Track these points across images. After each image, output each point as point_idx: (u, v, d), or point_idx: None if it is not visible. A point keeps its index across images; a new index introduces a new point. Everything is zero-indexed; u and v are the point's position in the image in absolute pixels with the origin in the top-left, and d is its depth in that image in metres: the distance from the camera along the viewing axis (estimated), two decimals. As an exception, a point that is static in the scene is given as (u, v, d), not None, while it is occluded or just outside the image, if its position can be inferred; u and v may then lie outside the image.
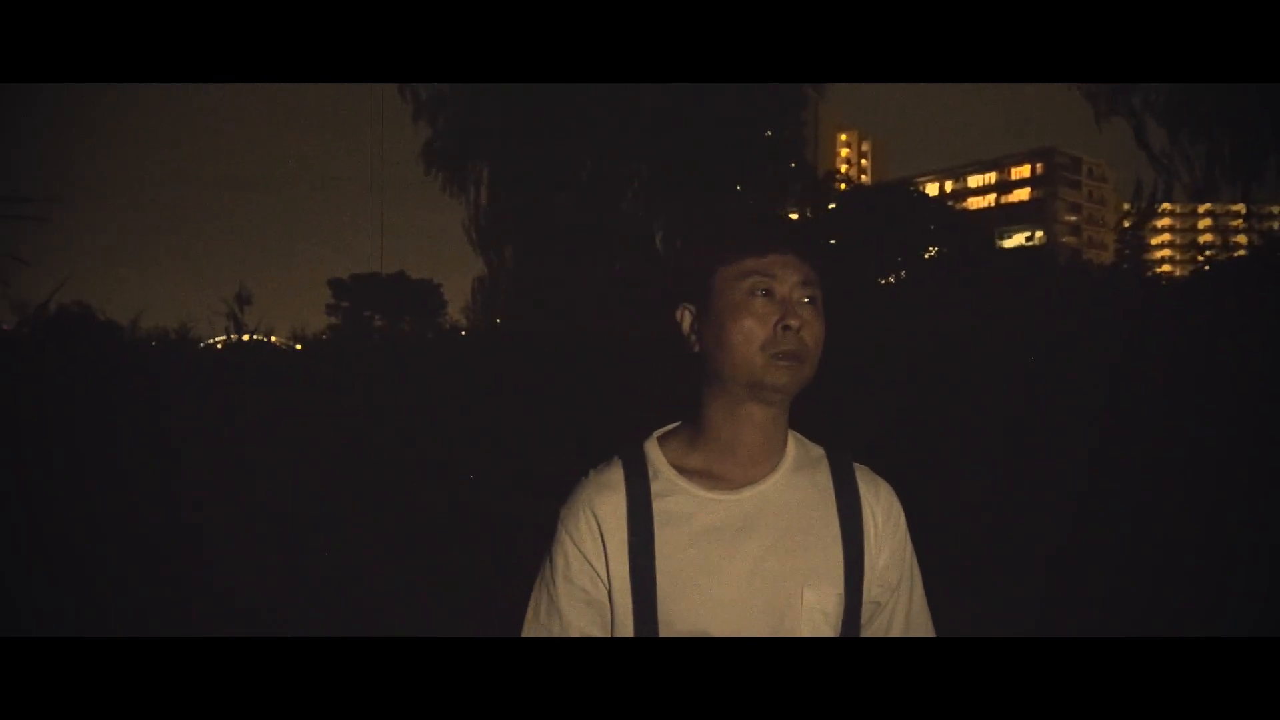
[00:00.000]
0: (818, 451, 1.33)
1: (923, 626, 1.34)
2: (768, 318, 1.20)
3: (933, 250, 23.32)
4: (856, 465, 1.33)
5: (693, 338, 1.27)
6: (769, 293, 1.21)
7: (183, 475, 5.94)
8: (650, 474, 1.26)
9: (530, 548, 1.36)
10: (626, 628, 1.22)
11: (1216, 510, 4.76)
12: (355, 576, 4.80)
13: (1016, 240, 75.19)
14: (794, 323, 1.20)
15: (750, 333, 1.20)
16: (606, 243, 15.74)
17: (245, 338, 9.73)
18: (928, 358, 6.71)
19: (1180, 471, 5.08)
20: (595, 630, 1.26)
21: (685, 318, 1.28)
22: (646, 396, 1.34)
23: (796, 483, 1.27)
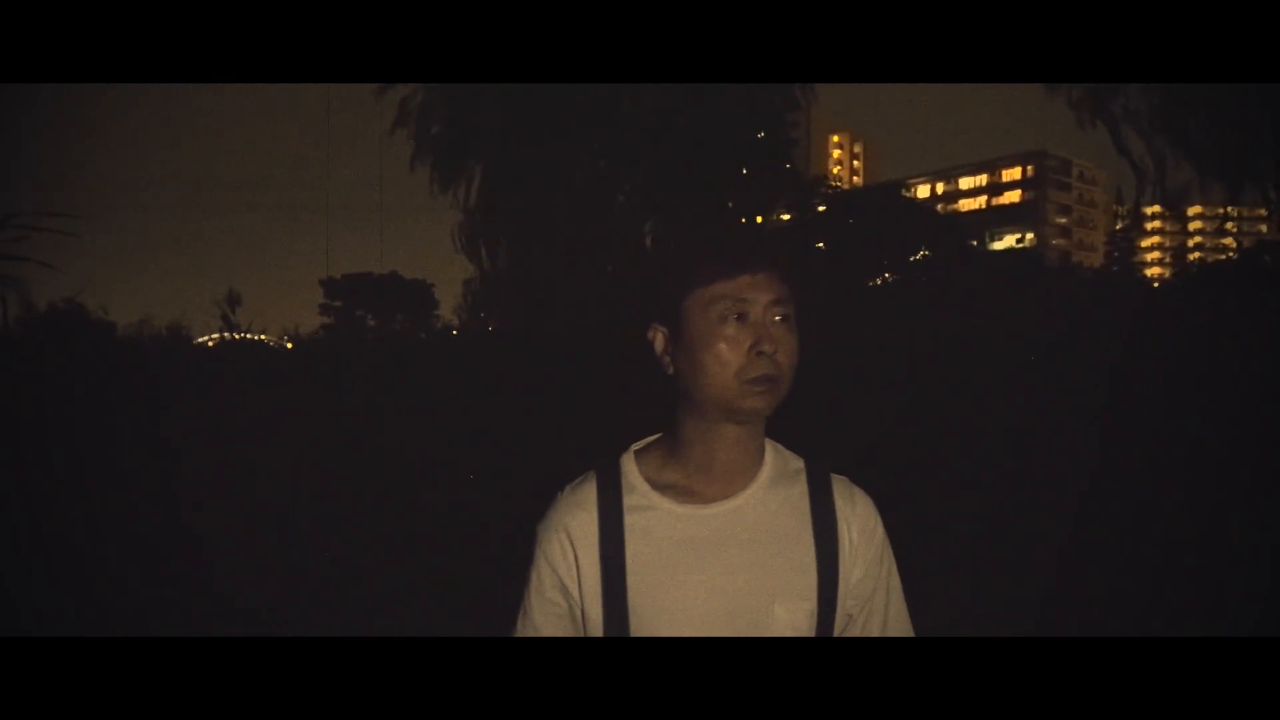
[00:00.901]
0: (797, 464, 1.31)
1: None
2: (741, 343, 1.18)
3: (924, 252, 23.37)
4: (834, 477, 1.31)
5: (666, 359, 1.25)
6: (742, 316, 1.19)
7: (182, 475, 5.94)
8: (624, 488, 1.26)
9: (529, 548, 1.36)
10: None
11: (1216, 510, 4.76)
12: (354, 576, 4.80)
13: (1007, 242, 75.29)
14: (768, 348, 1.18)
15: (724, 359, 1.18)
16: (599, 245, 15.70)
17: (245, 337, 9.74)
18: (925, 359, 6.72)
19: (1179, 471, 5.09)
20: None
21: (658, 339, 1.26)
22: (645, 396, 1.34)
23: (771, 497, 1.26)
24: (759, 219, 18.22)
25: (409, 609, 4.29)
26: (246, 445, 6.77)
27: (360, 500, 6.35)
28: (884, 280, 20.01)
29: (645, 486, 1.26)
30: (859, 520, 1.28)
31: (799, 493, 1.27)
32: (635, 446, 1.32)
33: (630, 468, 1.28)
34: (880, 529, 1.30)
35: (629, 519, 1.23)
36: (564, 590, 1.25)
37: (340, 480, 6.72)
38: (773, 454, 1.30)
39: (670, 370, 1.25)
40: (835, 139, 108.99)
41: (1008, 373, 6.48)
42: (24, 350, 6.89)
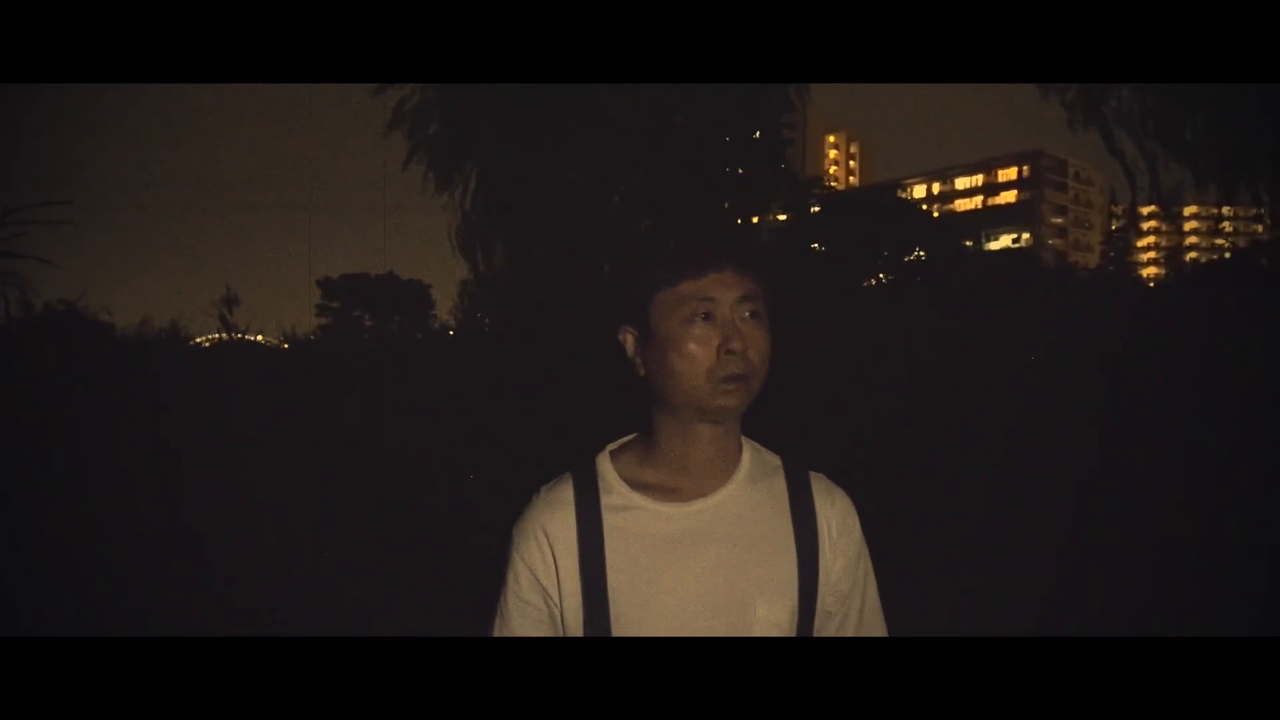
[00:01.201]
0: (774, 461, 1.32)
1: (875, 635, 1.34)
2: (710, 342, 1.18)
3: (920, 253, 23.40)
4: (813, 474, 1.32)
5: (637, 360, 1.25)
6: (709, 316, 1.19)
7: (182, 475, 5.93)
8: (602, 488, 1.26)
9: (505, 551, 1.36)
10: None
11: (1216, 510, 4.76)
12: (354, 576, 4.80)
13: (1003, 242, 75.41)
14: (737, 346, 1.18)
15: (693, 359, 1.18)
16: (596, 244, 15.69)
17: (243, 337, 9.74)
18: (922, 359, 6.73)
19: (1179, 471, 5.09)
20: None
21: (628, 341, 1.26)
22: (632, 394, 1.34)
23: (750, 494, 1.26)
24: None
25: (409, 609, 4.29)
26: (245, 445, 6.77)
27: (360, 500, 6.34)
28: (880, 280, 20.03)
29: (623, 486, 1.25)
30: (838, 516, 1.29)
31: (778, 490, 1.28)
32: (610, 446, 1.32)
33: (607, 467, 1.28)
34: (858, 525, 1.31)
35: (608, 519, 1.23)
36: (543, 592, 1.24)
37: (340, 480, 6.71)
38: (750, 451, 1.30)
39: (642, 372, 1.25)
40: (831, 139, 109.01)
41: (1005, 373, 6.48)
42: (24, 350, 6.89)
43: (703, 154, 16.68)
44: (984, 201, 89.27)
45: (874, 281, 19.13)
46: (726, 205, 18.04)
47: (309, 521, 5.76)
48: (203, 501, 5.66)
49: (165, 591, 4.35)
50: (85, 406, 6.26)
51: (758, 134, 18.84)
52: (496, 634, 1.28)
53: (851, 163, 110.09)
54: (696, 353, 1.18)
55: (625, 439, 1.33)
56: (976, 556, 4.56)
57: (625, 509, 1.24)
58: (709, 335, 1.18)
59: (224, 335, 9.86)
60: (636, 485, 1.26)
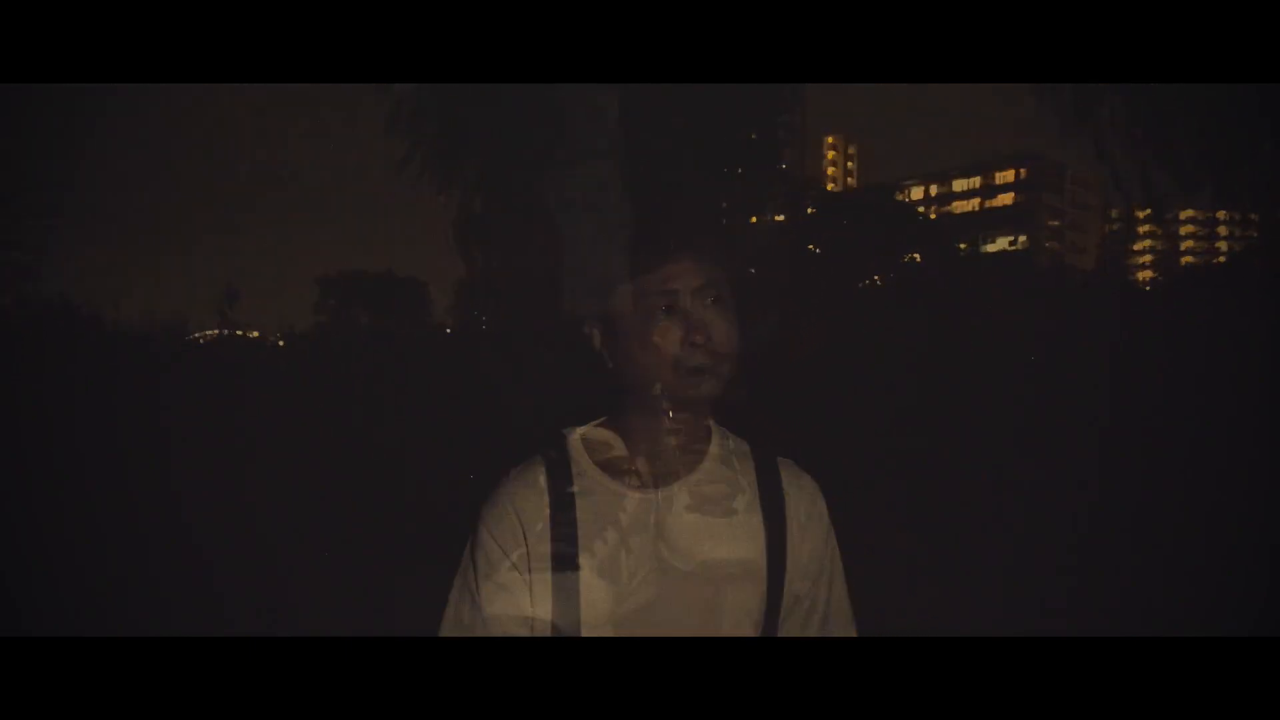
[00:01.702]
0: (743, 447, 1.31)
1: (843, 623, 1.33)
2: (672, 335, 1.18)
3: (916, 255, 23.41)
4: (780, 460, 1.31)
5: (604, 354, 1.25)
6: (670, 309, 1.18)
7: (181, 475, 5.93)
8: (574, 471, 1.25)
9: (472, 537, 1.34)
10: (549, 626, 1.20)
11: (1216, 510, 4.77)
12: (354, 576, 4.80)
13: (1000, 244, 75.46)
14: (699, 338, 1.17)
15: (658, 353, 1.18)
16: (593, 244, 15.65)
17: (242, 334, 9.76)
18: (922, 359, 6.73)
19: (1179, 472, 5.10)
20: (519, 630, 1.23)
21: (595, 335, 1.26)
22: (615, 383, 1.33)
23: (719, 478, 1.26)
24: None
25: (409, 609, 4.28)
26: (245, 443, 6.77)
27: (359, 498, 6.34)
28: (878, 281, 20.05)
29: (595, 470, 1.25)
30: (806, 502, 1.28)
31: (747, 474, 1.27)
32: (580, 430, 1.31)
33: (579, 452, 1.27)
34: (825, 510, 1.30)
35: (580, 502, 1.22)
36: (516, 573, 1.22)
37: (339, 478, 6.71)
38: (718, 437, 1.30)
39: (610, 365, 1.25)
40: (829, 140, 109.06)
41: (1003, 374, 6.50)
42: (24, 348, 6.89)
43: (701, 154, 16.67)
44: (981, 204, 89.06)
45: (870, 283, 19.16)
46: (724, 205, 18.04)
47: (309, 521, 5.76)
48: (201, 501, 5.66)
49: (165, 591, 4.35)
50: (85, 404, 6.26)
51: (754, 135, 18.83)
52: (467, 618, 1.24)
53: (849, 164, 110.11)
54: (660, 346, 1.18)
55: (595, 422, 1.32)
56: (976, 556, 4.56)
57: (596, 493, 1.23)
58: (671, 328, 1.18)
59: (223, 332, 9.89)
60: (608, 469, 1.25)
